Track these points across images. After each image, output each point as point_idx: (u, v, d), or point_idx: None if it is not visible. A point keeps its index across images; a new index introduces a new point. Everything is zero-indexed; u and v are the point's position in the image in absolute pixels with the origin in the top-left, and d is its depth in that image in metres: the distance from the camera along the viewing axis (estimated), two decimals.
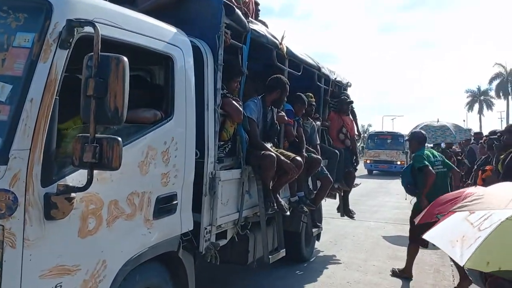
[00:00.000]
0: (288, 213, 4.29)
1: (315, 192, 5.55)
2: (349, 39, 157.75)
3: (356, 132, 7.24)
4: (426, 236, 3.40)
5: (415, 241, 5.50)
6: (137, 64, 3.21)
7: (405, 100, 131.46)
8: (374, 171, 24.04)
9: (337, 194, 6.89)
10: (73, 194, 2.06)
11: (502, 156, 5.08)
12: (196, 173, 3.18)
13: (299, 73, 5.15)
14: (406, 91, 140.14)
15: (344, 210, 6.96)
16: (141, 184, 2.61)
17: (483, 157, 7.05)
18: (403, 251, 6.75)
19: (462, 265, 2.72)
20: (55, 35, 2.08)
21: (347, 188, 6.70)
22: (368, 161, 24.01)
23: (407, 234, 7.98)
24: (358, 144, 19.29)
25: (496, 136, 5.82)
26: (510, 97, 54.64)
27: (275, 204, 3.99)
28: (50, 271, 2.05)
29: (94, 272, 2.30)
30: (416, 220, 5.05)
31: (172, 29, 2.97)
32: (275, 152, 3.95)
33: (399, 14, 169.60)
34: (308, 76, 5.77)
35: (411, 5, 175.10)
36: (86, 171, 2.01)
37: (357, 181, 7.42)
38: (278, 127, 4.39)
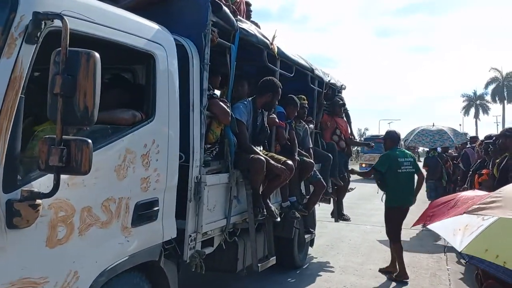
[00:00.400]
0: (278, 219, 4.13)
1: (307, 197, 5.39)
2: (346, 43, 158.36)
3: (350, 136, 7.10)
4: (431, 226, 3.38)
5: (395, 240, 5.73)
6: (118, 63, 3.07)
7: (402, 104, 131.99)
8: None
9: (331, 199, 6.74)
10: (38, 201, 1.90)
11: (498, 160, 5.03)
12: (180, 177, 3.04)
13: (292, 75, 5.00)
14: (403, 95, 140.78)
15: (338, 214, 6.81)
16: (118, 190, 2.45)
17: (478, 161, 7.02)
18: None
19: (459, 251, 2.64)
20: (21, 29, 1.93)
21: (341, 183, 6.48)
22: (363, 165, 23.54)
23: (403, 238, 7.92)
24: (354, 149, 19.23)
25: (491, 141, 5.77)
26: (506, 101, 54.84)
27: (264, 210, 3.83)
28: (12, 285, 1.88)
29: (65, 284, 2.13)
30: (412, 224, 5.00)
31: (154, 26, 2.82)
32: (265, 156, 3.80)
33: (396, 18, 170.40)
34: (301, 78, 5.63)
35: (408, 9, 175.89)
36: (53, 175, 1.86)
37: (351, 185, 7.33)
38: (269, 131, 4.23)
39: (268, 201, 4.03)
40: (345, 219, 6.90)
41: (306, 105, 5.44)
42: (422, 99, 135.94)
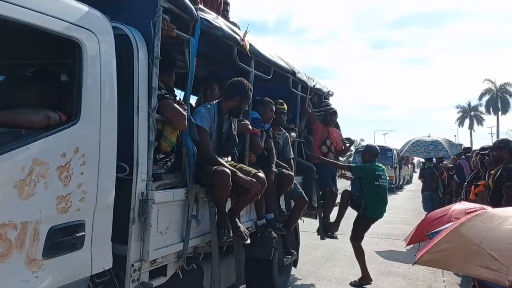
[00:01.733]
0: (248, 241, 3.55)
1: (288, 213, 4.84)
2: (343, 54, 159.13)
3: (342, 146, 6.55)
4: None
5: (357, 240, 6.05)
6: (39, 54, 2.53)
7: (397, 114, 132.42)
8: None
9: (318, 215, 6.18)
10: None
11: (492, 172, 4.99)
12: (124, 194, 2.50)
13: (269, 77, 4.49)
14: (399, 106, 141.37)
15: (324, 231, 6.23)
16: (20, 212, 1.89)
17: (473, 172, 6.88)
18: (396, 267, 6.84)
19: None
20: None
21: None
22: None
23: (400, 249, 8.05)
24: (350, 159, 18.70)
25: (487, 152, 5.61)
26: (500, 112, 54.75)
27: (231, 231, 3.27)
28: None
29: None
30: (406, 241, 4.78)
31: (81, 7, 2.28)
32: (231, 168, 3.25)
33: (390, 30, 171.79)
34: (282, 82, 5.13)
35: (402, 22, 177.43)
36: None
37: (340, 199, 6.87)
38: (237, 139, 3.67)
39: (237, 220, 3.47)
40: (332, 236, 6.33)
41: (285, 111, 4.92)
42: (417, 110, 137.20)
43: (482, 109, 57.24)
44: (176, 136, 3.01)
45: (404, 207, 15.85)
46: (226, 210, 3.36)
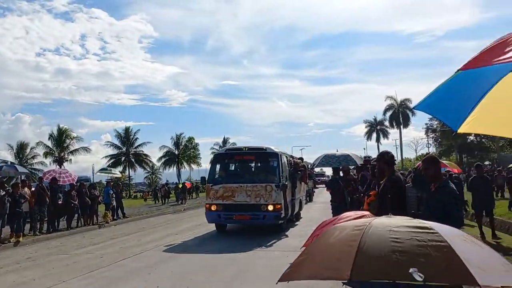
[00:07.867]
0: None
1: None
2: (257, 74, 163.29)
3: None
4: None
5: None
6: None
7: (313, 131, 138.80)
8: (226, 225, 13.07)
9: None
10: None
11: (382, 181, 5.16)
12: None
13: None
14: (313, 123, 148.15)
15: None
16: None
17: (367, 183, 7.34)
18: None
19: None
20: None
21: None
22: (212, 208, 12.23)
23: None
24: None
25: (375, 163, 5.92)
26: (401, 126, 59.90)
27: None
28: None
29: None
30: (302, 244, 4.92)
31: None
32: None
33: (299, 52, 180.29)
34: None
35: (311, 44, 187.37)
36: None
37: None
38: None
39: None
40: None
41: None
42: (330, 126, 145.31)
43: (387, 123, 62.14)
44: None
45: (318, 219, 15.74)
46: None
